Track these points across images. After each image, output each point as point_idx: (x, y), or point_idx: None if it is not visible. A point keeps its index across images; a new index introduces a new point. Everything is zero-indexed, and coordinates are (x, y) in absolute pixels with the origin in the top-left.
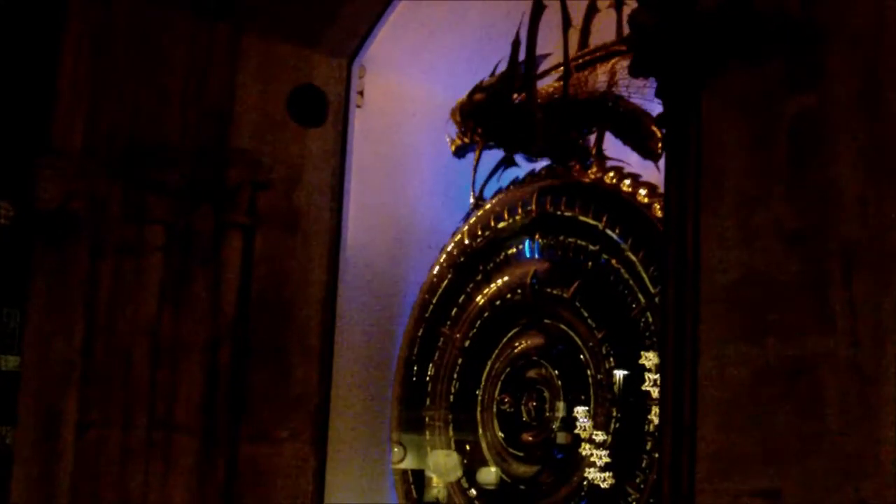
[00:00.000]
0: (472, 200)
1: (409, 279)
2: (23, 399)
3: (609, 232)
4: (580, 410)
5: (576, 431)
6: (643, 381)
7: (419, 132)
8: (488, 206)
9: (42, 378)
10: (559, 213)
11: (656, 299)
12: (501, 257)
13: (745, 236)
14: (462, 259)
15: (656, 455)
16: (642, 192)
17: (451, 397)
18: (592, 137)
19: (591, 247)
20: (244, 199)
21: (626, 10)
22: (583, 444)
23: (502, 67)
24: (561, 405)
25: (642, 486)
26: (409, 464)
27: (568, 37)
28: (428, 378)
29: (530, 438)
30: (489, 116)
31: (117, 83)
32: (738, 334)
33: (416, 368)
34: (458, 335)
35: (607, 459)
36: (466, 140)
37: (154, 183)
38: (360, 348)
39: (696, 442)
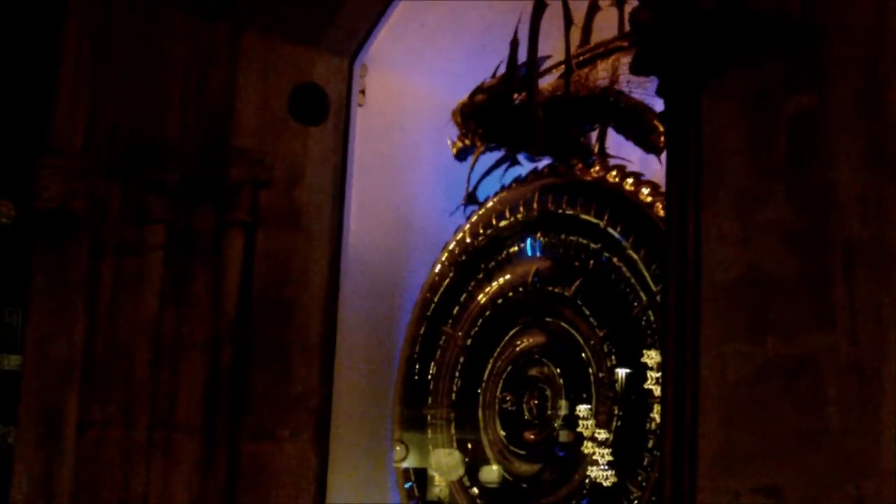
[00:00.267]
0: (463, 197)
1: (411, 277)
2: (24, 398)
3: (610, 230)
4: (582, 409)
5: (578, 430)
6: (645, 379)
7: (420, 130)
8: (490, 204)
9: (43, 377)
10: (561, 211)
11: (658, 297)
12: (503, 256)
13: (746, 235)
14: (464, 257)
15: (658, 453)
16: (645, 191)
17: (453, 396)
18: (594, 135)
19: (593, 245)
20: (245, 197)
21: (628, 8)
22: (585, 442)
23: (503, 69)
24: (563, 403)
25: (644, 483)
26: (410, 462)
27: (569, 35)
28: (430, 376)
29: (532, 437)
30: (490, 117)
31: (117, 83)
32: (739, 333)
33: (417, 367)
34: (459, 333)
35: (609, 457)
36: (468, 142)
37: (154, 182)
38: (362, 347)
39: (697, 440)
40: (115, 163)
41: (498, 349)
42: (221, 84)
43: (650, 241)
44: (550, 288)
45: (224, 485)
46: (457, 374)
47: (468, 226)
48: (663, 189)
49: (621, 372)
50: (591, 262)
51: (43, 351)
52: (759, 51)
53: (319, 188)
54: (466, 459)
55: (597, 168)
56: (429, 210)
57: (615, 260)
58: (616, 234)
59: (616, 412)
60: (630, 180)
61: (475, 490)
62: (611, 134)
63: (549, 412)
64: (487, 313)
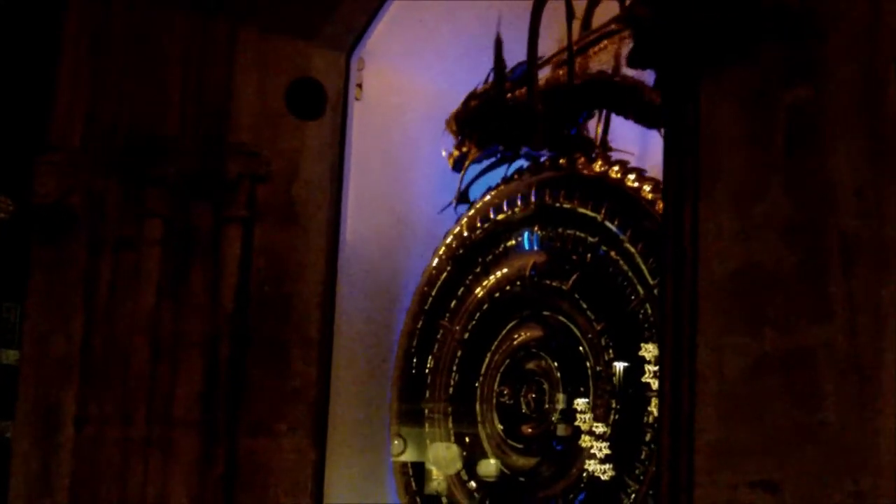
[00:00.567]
0: (454, 198)
1: (408, 271)
2: (21, 394)
3: (608, 224)
4: (580, 402)
5: (575, 423)
6: (642, 372)
7: (418, 125)
8: (487, 197)
9: (41, 373)
10: (558, 204)
11: (655, 291)
12: (500, 249)
13: (743, 228)
14: (461, 251)
15: (655, 447)
16: (646, 188)
17: (451, 389)
18: (592, 128)
19: (590, 239)
20: (243, 192)
21: (628, 1)
22: (582, 435)
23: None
24: (560, 397)
25: (642, 477)
26: (408, 456)
27: (572, 27)
28: (427, 370)
29: (530, 430)
30: (487, 119)
31: (116, 78)
32: (737, 326)
33: (415, 361)
34: (457, 327)
35: (607, 451)
36: (464, 149)
37: (152, 177)
38: (360, 341)
39: (694, 434)
40: (114, 158)
41: (495, 343)
42: (219, 79)
43: (648, 234)
44: (548, 281)
45: (222, 480)
46: (454, 368)
47: (465, 219)
48: (650, 175)
49: (619, 365)
50: (589, 255)
51: (41, 347)
52: (757, 45)
53: (317, 183)
54: (464, 453)
55: (599, 164)
56: (426, 204)
57: (613, 253)
58: (614, 228)
59: (614, 406)
60: (631, 176)
61: (473, 484)
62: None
63: (547, 406)
64: (485, 307)
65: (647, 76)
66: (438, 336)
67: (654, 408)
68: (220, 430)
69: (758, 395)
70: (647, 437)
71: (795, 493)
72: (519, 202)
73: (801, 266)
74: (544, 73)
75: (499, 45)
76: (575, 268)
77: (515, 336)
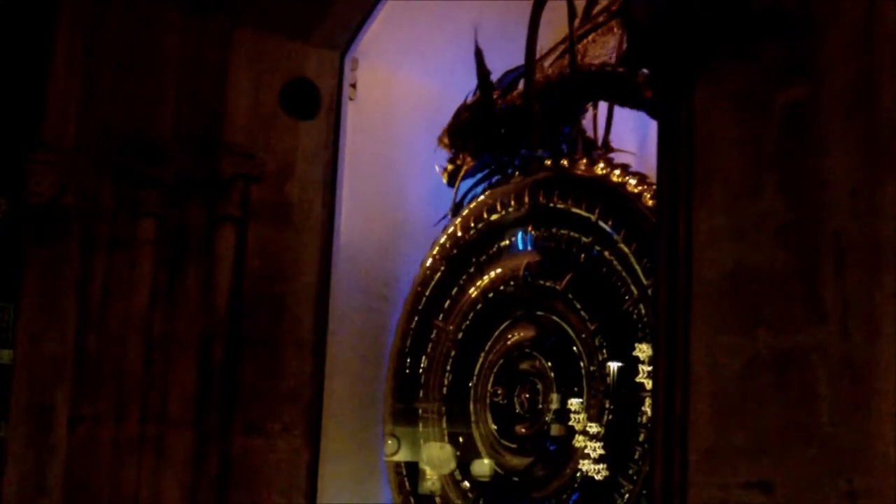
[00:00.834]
0: (450, 209)
1: (402, 271)
2: (15, 394)
3: (602, 224)
4: (573, 402)
5: (569, 423)
6: (636, 372)
7: (412, 125)
8: (481, 198)
9: (34, 373)
10: (552, 204)
11: (649, 291)
12: (494, 249)
13: (737, 228)
14: (455, 251)
15: (648, 447)
16: (633, 181)
17: (445, 389)
18: (591, 126)
19: (584, 239)
20: (237, 192)
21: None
22: (576, 435)
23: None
24: (554, 397)
25: (635, 477)
26: (402, 456)
27: (573, 27)
28: (421, 370)
29: (523, 430)
30: (480, 129)
31: (109, 78)
32: (730, 326)
33: (409, 361)
34: (451, 327)
35: (601, 451)
36: (459, 162)
37: (146, 177)
38: (353, 341)
39: (688, 434)
40: (107, 158)
41: (489, 343)
42: (213, 78)
43: (642, 234)
44: (542, 282)
45: (216, 480)
46: (448, 367)
47: (460, 220)
48: (651, 180)
49: (613, 365)
50: (583, 255)
51: (34, 346)
52: (751, 44)
53: (311, 183)
54: (458, 453)
55: (591, 161)
56: (420, 204)
57: (606, 253)
58: (607, 228)
59: (607, 406)
60: (632, 179)
61: (467, 484)
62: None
63: (541, 406)
64: (479, 307)
65: None
66: (432, 336)
67: (647, 408)
68: (214, 430)
69: (751, 395)
70: (641, 437)
71: (789, 493)
72: (513, 202)
73: (795, 266)
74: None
75: (479, 54)
76: (569, 268)
77: (509, 336)
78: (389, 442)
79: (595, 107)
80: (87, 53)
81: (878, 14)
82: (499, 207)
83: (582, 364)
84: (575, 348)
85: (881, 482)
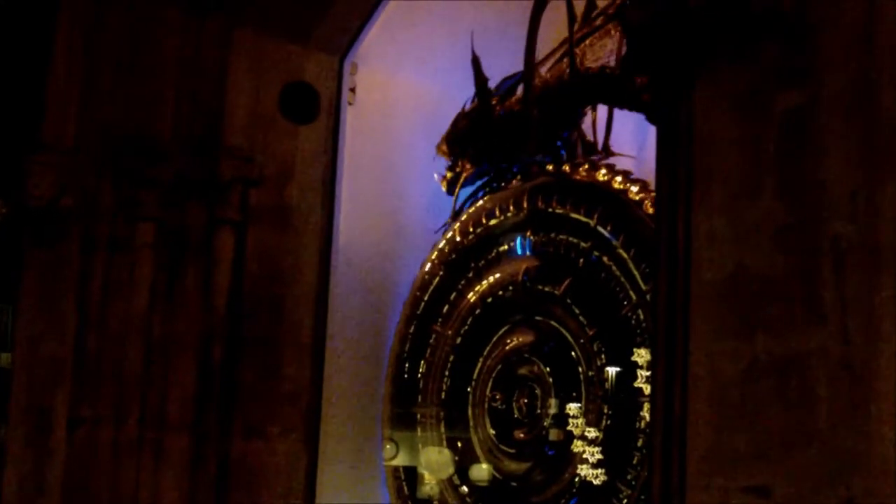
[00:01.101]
0: (450, 215)
1: (401, 276)
2: (14, 396)
3: (600, 229)
4: (572, 407)
5: (567, 428)
6: (635, 377)
7: (411, 129)
8: (480, 202)
9: (33, 375)
10: (551, 210)
11: (647, 296)
12: (493, 254)
13: (736, 232)
14: (454, 256)
15: (646, 452)
16: (635, 188)
17: (443, 394)
18: (590, 130)
19: (583, 244)
20: (236, 195)
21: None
22: (574, 440)
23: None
24: (552, 402)
25: (634, 482)
26: (400, 461)
27: (573, 30)
28: (419, 375)
29: (522, 435)
30: (478, 135)
31: (109, 77)
32: (729, 331)
33: (407, 365)
34: (449, 332)
35: (599, 456)
36: (458, 170)
37: (145, 179)
38: (352, 345)
39: (686, 438)
40: (107, 159)
41: (488, 348)
42: (213, 81)
43: (640, 239)
44: (540, 287)
45: (214, 482)
46: (446, 372)
47: (458, 225)
48: (653, 187)
49: (611, 370)
50: (581, 260)
51: (33, 348)
52: (750, 47)
53: (310, 187)
54: (456, 458)
55: (591, 165)
56: (419, 208)
57: (605, 259)
58: (606, 233)
59: (606, 411)
60: (626, 182)
61: (465, 488)
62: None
63: (539, 411)
64: (477, 312)
65: None
66: (431, 341)
67: (646, 412)
68: (213, 433)
69: (750, 399)
70: (640, 443)
71: (788, 497)
72: (512, 207)
73: (794, 270)
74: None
75: (476, 62)
76: (567, 273)
77: (508, 341)
78: (388, 446)
79: (594, 110)
80: (87, 53)
81: (877, 15)
82: (498, 212)
83: (580, 369)
84: (573, 353)
85: (880, 485)
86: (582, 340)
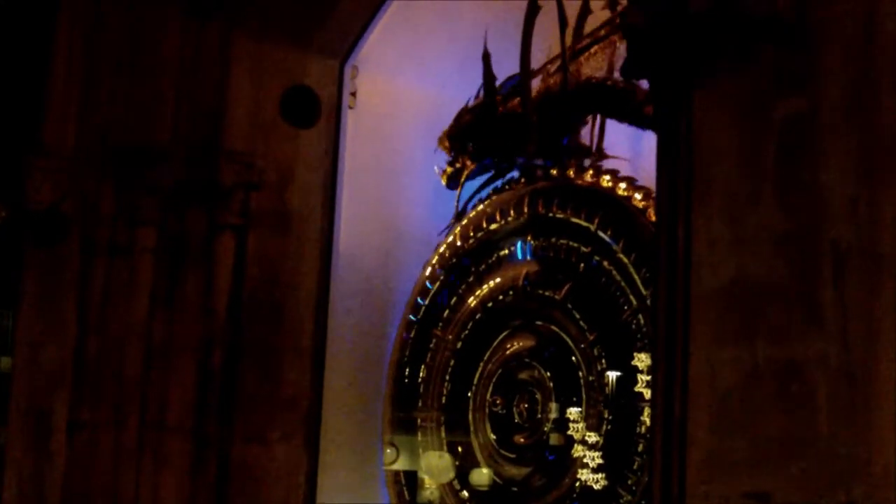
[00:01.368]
0: (454, 215)
1: (401, 280)
2: (14, 400)
3: (601, 234)
4: (572, 412)
5: (568, 433)
6: (635, 382)
7: (411, 133)
8: (480, 207)
9: (33, 379)
10: (551, 214)
11: (648, 301)
12: (494, 259)
13: (736, 238)
14: (454, 261)
15: (647, 457)
16: (637, 195)
17: (443, 399)
18: (587, 136)
19: (583, 248)
20: (237, 200)
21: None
22: (575, 445)
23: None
24: (553, 407)
25: (634, 487)
26: (401, 465)
27: (565, 36)
28: (420, 380)
29: (522, 440)
30: (480, 133)
31: (109, 83)
32: (729, 337)
33: (408, 370)
34: (450, 337)
35: (599, 461)
36: (458, 165)
37: (146, 184)
38: (353, 350)
39: (686, 444)
40: (107, 164)
41: (488, 352)
42: (213, 86)
43: (641, 244)
44: (541, 291)
45: (214, 487)
46: (447, 377)
47: (459, 229)
48: (654, 192)
49: (611, 375)
50: (582, 265)
51: (33, 353)
52: (750, 53)
53: (310, 191)
54: (457, 462)
55: (590, 173)
56: (420, 213)
57: (605, 263)
58: (606, 238)
59: (606, 415)
60: (622, 184)
61: (465, 493)
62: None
63: (539, 415)
64: (478, 317)
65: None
66: (431, 345)
67: (646, 417)
68: (213, 437)
69: (750, 405)
70: (640, 447)
71: (788, 503)
72: (512, 212)
73: (794, 276)
74: (537, 82)
75: (487, 58)
76: (568, 278)
77: (508, 346)
78: (388, 451)
79: (593, 116)
80: (86, 54)
81: (876, 23)
82: (498, 217)
83: (581, 374)
84: (574, 358)
85: (881, 491)
86: (582, 345)
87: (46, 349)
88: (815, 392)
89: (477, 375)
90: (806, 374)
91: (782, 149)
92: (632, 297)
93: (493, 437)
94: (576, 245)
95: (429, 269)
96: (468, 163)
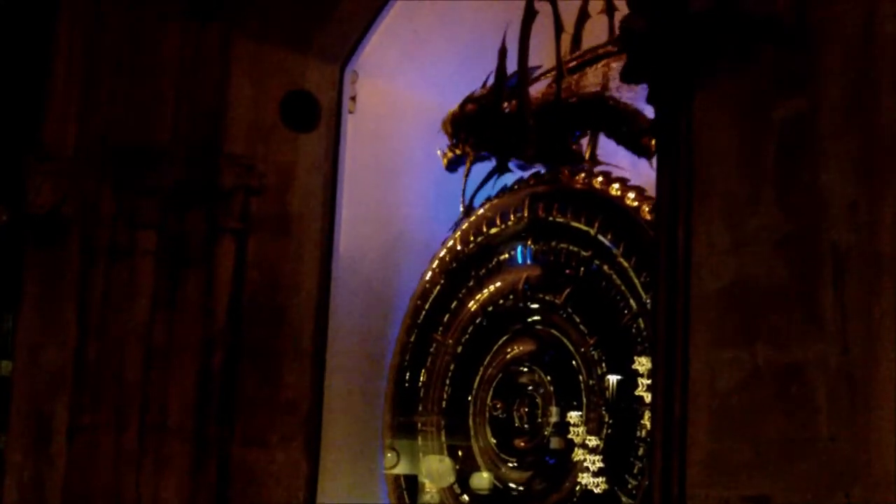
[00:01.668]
0: (461, 209)
1: (402, 284)
2: (14, 403)
3: (601, 238)
4: (572, 415)
5: (568, 436)
6: (635, 385)
7: (412, 137)
8: (480, 211)
9: (34, 382)
10: (551, 218)
11: (648, 305)
12: (494, 263)
13: (736, 241)
14: (454, 265)
15: (647, 460)
16: (630, 195)
17: (444, 403)
18: (585, 142)
19: (583, 253)
20: (237, 204)
21: (618, 16)
22: (575, 449)
23: (494, 79)
24: (553, 411)
25: (634, 491)
26: (401, 469)
27: (560, 42)
28: (420, 384)
29: (523, 444)
30: (481, 126)
31: (109, 83)
32: (729, 340)
33: (408, 374)
34: (450, 341)
35: (600, 465)
36: (458, 152)
37: (146, 186)
38: (353, 353)
39: (687, 447)
40: (107, 166)
41: (488, 357)
42: (213, 88)
43: (641, 248)
44: (541, 295)
45: (215, 490)
46: (447, 381)
47: (458, 233)
48: (653, 195)
49: (612, 379)
50: (582, 269)
51: (33, 356)
52: (750, 53)
53: (311, 195)
54: (457, 466)
55: (582, 175)
56: (420, 217)
57: (606, 267)
58: (606, 242)
59: (606, 419)
60: (617, 186)
61: (466, 497)
62: (603, 142)
63: (540, 419)
64: (478, 321)
65: (641, 99)
66: (431, 349)
67: (647, 421)
68: (213, 440)
69: (750, 408)
70: (640, 451)
71: None
72: (512, 216)
73: (794, 278)
74: (540, 86)
75: (503, 54)
76: (568, 282)
77: (508, 350)
78: (388, 455)
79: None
80: (86, 54)
81: (876, 23)
82: (498, 221)
83: (581, 377)
84: (574, 362)
85: (881, 494)
86: (582, 349)
87: (47, 352)
88: (815, 393)
89: (477, 379)
90: (806, 376)
91: (782, 149)
92: (632, 301)
93: (493, 441)
94: (576, 249)
95: (429, 273)
96: (469, 151)
